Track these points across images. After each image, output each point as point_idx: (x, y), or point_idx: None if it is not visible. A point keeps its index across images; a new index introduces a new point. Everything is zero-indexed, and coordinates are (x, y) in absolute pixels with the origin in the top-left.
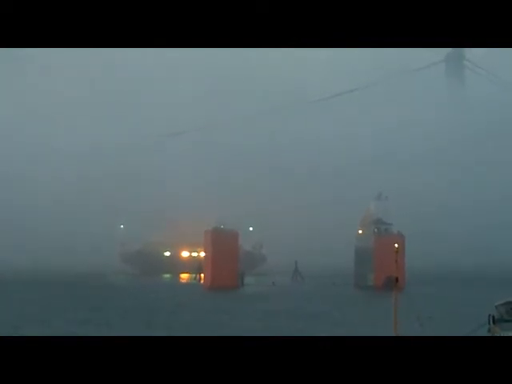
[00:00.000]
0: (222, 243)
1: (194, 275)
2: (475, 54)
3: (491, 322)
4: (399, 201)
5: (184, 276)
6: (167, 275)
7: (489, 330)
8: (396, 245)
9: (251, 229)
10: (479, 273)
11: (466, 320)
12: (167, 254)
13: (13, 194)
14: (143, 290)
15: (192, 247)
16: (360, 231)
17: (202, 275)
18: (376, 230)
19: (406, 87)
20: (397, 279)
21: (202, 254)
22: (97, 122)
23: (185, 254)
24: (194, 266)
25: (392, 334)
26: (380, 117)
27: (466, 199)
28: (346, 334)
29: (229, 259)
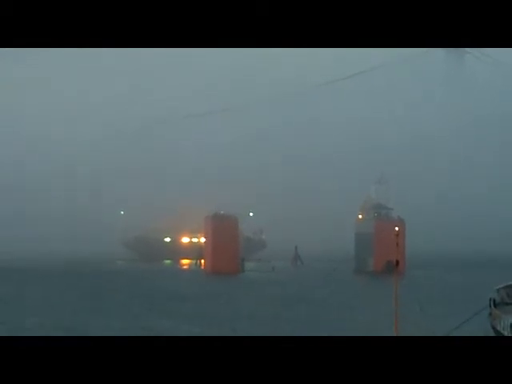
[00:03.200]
0: (222, 229)
1: (194, 261)
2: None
3: (492, 305)
4: (400, 185)
5: (185, 262)
6: (168, 261)
7: (490, 314)
8: (396, 228)
9: (251, 214)
10: (478, 258)
11: (466, 304)
12: (167, 239)
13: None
14: (145, 275)
15: (192, 233)
16: (360, 216)
17: (203, 261)
18: (376, 214)
19: (410, 71)
20: (397, 262)
21: (203, 240)
22: (96, 109)
23: (185, 239)
24: (195, 252)
25: (392, 317)
26: (382, 101)
27: (467, 186)
28: (344, 318)
29: (229, 245)
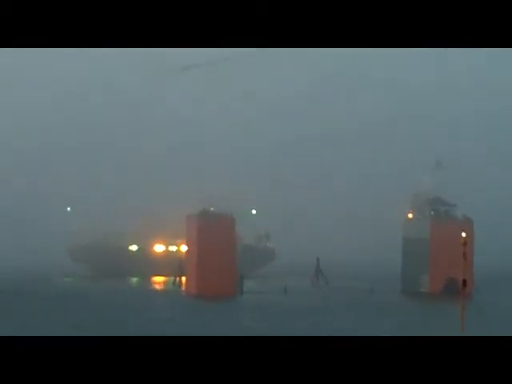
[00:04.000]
0: (212, 233)
1: (172, 279)
2: None
3: None
4: (464, 173)
5: (158, 280)
6: (134, 279)
7: None
8: (463, 233)
9: (254, 212)
10: None
11: None
12: (134, 248)
13: None
14: (98, 299)
15: (169, 239)
16: (410, 215)
17: (184, 279)
18: (433, 212)
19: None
20: (464, 282)
21: (184, 249)
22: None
23: (159, 248)
24: (173, 266)
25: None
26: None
27: None
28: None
29: (222, 256)
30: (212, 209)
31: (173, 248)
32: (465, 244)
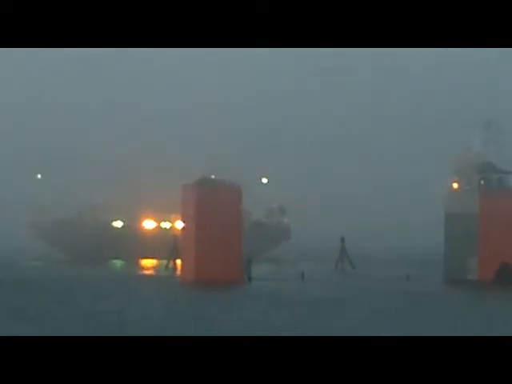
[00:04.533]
0: (214, 206)
1: (164, 262)
2: None
3: None
4: None
5: (148, 263)
6: (117, 261)
7: None
8: None
9: (265, 181)
10: None
11: None
12: (118, 224)
13: None
14: (73, 287)
15: (161, 213)
16: (455, 185)
17: (179, 262)
18: (483, 182)
19: None
20: None
21: (179, 225)
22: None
23: (149, 224)
24: (165, 246)
25: None
26: None
27: None
28: None
29: (225, 234)
30: (213, 177)
31: (166, 225)
32: None
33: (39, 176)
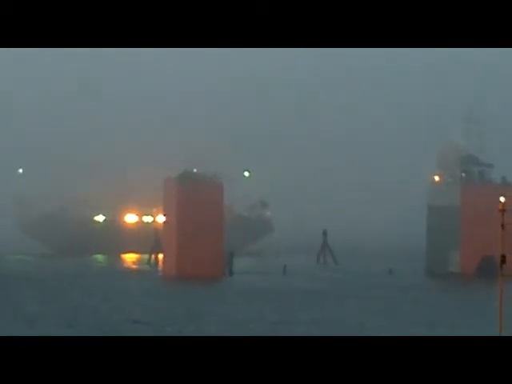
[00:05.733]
0: (196, 200)
1: (146, 256)
2: None
3: None
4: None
5: (130, 257)
6: (99, 256)
7: None
8: (502, 198)
9: (247, 175)
10: None
11: None
12: (100, 218)
13: None
14: (54, 282)
15: (143, 207)
16: (436, 178)
17: (161, 256)
18: (464, 174)
19: None
20: (503, 258)
21: (161, 220)
22: None
23: (131, 218)
24: (147, 241)
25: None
26: None
27: None
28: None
29: (207, 228)
30: (195, 170)
31: (148, 219)
32: (503, 211)
33: (20, 171)
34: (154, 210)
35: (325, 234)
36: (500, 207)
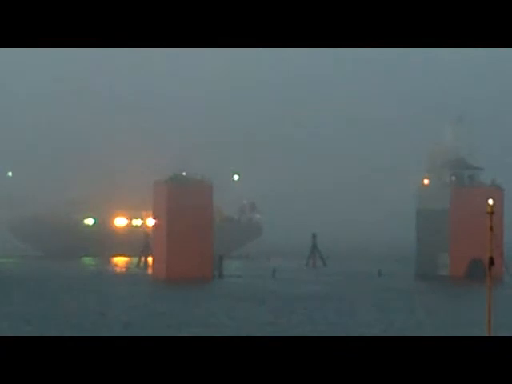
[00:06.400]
0: (185, 203)
1: (136, 259)
2: None
3: None
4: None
5: (119, 260)
6: (88, 258)
7: None
8: (490, 201)
9: (236, 178)
10: None
11: None
12: (89, 221)
13: None
14: (44, 284)
15: (133, 210)
16: (426, 181)
17: (150, 259)
18: (454, 178)
19: None
20: (491, 260)
21: (150, 223)
22: None
23: (120, 221)
24: (137, 244)
25: None
26: None
27: None
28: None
29: (196, 231)
30: (184, 173)
31: (137, 222)
32: (492, 214)
33: (10, 174)
34: (144, 213)
35: (314, 237)
36: (488, 209)
